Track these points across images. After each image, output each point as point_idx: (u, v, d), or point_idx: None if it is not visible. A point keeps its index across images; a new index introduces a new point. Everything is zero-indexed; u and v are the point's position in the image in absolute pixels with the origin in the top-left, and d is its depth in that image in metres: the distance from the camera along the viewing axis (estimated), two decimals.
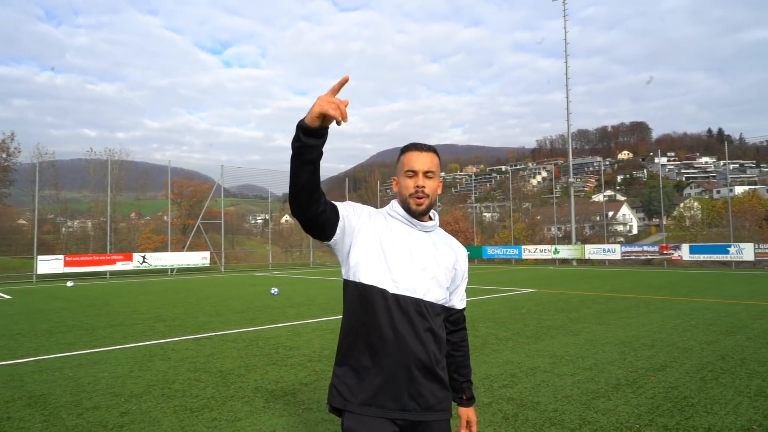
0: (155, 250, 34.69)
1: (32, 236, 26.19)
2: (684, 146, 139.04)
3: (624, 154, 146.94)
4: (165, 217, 44.24)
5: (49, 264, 24.39)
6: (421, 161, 1.80)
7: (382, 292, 1.72)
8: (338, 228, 1.76)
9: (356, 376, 1.72)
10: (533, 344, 6.93)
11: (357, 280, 1.76)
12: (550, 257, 31.15)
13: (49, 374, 5.71)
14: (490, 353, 6.42)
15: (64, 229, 39.81)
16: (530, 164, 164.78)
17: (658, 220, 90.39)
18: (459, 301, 1.96)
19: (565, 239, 39.90)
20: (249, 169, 36.67)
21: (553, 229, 56.25)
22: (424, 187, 1.78)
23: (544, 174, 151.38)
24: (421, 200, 1.78)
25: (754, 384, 4.87)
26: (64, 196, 41.57)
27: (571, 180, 31.78)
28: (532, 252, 32.22)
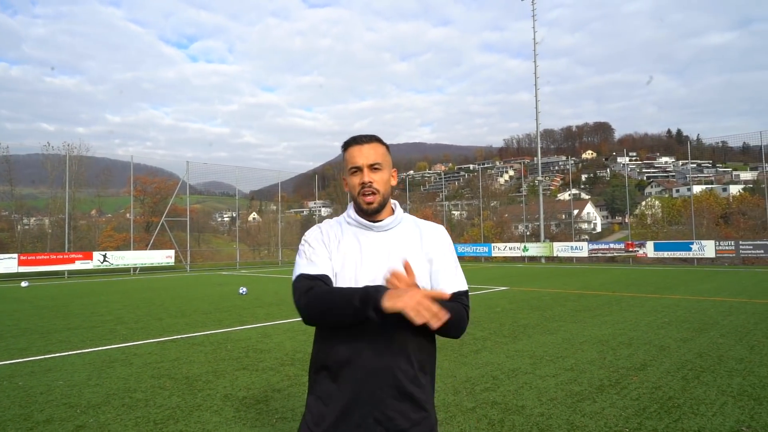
0: (117, 248, 33.52)
1: None
2: (645, 146, 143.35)
3: (588, 154, 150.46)
4: (128, 215, 42.82)
5: (2, 263, 23.20)
6: (363, 155, 1.67)
7: None
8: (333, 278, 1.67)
9: (322, 403, 1.59)
10: (511, 344, 6.81)
11: None
12: (519, 255, 31.45)
13: None
14: (468, 354, 6.25)
15: (19, 227, 38.07)
16: (498, 163, 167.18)
17: (621, 218, 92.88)
18: (447, 285, 1.67)
19: (533, 237, 40.44)
20: (215, 166, 35.78)
21: (521, 227, 57.09)
22: (371, 182, 1.65)
23: (511, 173, 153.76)
24: (371, 197, 1.65)
25: (735, 383, 4.84)
26: (19, 192, 39.79)
27: (539, 179, 32.22)
28: (501, 250, 32.48)
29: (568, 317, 8.98)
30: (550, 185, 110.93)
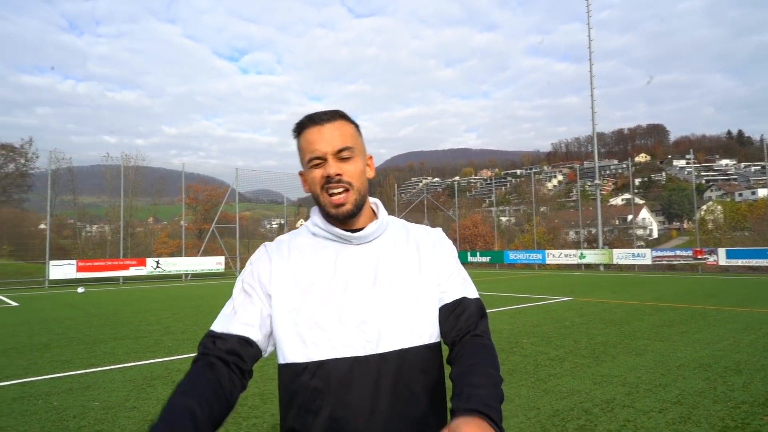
0: (171, 254, 34.19)
1: (50, 241, 25.68)
2: (702, 148, 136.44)
3: (641, 157, 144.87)
4: (181, 222, 44.04)
5: (61, 269, 23.85)
6: (325, 139, 1.19)
7: (308, 368, 1.15)
8: (264, 346, 1.22)
9: None
10: (594, 366, 5.93)
11: (279, 363, 1.21)
12: (575, 262, 29.91)
13: (32, 403, 4.87)
14: (547, 379, 5.44)
15: (83, 234, 39.69)
16: (546, 168, 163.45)
17: (678, 223, 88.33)
18: (455, 289, 1.27)
19: (588, 243, 38.56)
20: (263, 173, 36.10)
21: (572, 233, 54.93)
22: (339, 174, 1.18)
23: (560, 177, 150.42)
24: (342, 195, 1.18)
25: None
26: (82, 201, 41.55)
27: (597, 182, 30.60)
28: (556, 257, 31.01)
29: (652, 334, 7.97)
30: (601, 190, 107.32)
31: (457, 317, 1.23)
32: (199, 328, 9.41)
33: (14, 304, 15.18)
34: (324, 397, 1.12)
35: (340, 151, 1.18)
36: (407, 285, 1.21)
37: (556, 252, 31.41)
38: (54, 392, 5.23)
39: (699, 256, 25.45)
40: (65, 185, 41.72)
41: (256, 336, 1.18)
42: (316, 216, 1.28)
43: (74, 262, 24.62)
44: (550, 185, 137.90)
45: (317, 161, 1.19)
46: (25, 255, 31.19)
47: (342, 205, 1.18)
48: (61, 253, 30.64)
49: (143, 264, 26.25)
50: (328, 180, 1.18)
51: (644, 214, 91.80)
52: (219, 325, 1.20)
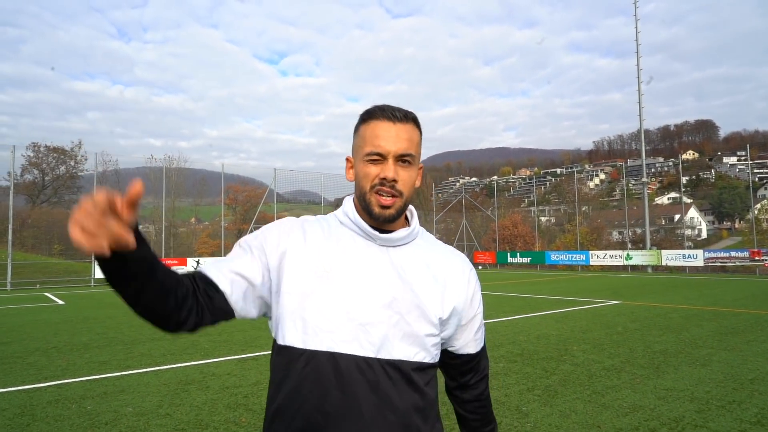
0: (212, 254, 34.80)
1: None
2: (756, 144, 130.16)
3: (689, 154, 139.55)
4: (221, 222, 44.89)
5: None
6: (393, 138, 1.15)
7: (304, 355, 1.10)
8: (234, 301, 1.13)
9: None
10: (656, 378, 5.44)
11: (277, 342, 1.16)
12: (621, 264, 28.78)
13: (66, 407, 4.76)
14: (604, 392, 4.99)
15: None
16: (587, 166, 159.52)
17: (730, 223, 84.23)
18: (472, 343, 1.29)
19: (634, 244, 37.15)
20: (301, 173, 36.27)
21: (615, 233, 53.09)
22: (395, 181, 1.14)
23: (602, 176, 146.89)
24: (390, 201, 1.14)
25: None
26: None
27: (644, 180, 29.34)
28: (600, 258, 29.91)
29: (715, 343, 7.36)
30: (643, 189, 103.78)
31: (471, 370, 1.31)
32: (236, 330, 9.30)
33: (60, 302, 15.57)
34: (314, 388, 1.08)
35: (402, 156, 1.15)
36: (424, 302, 1.15)
37: (600, 253, 30.31)
38: (89, 395, 5.13)
39: (757, 258, 24.03)
40: (112, 186, 42.93)
41: (225, 287, 1.11)
42: (349, 205, 1.23)
43: None
44: (591, 184, 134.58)
45: (377, 157, 1.15)
46: (74, 254, 32.32)
47: (388, 207, 1.14)
48: None
49: (184, 264, 26.70)
50: (382, 182, 1.14)
51: (693, 213, 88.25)
52: (209, 270, 1.14)
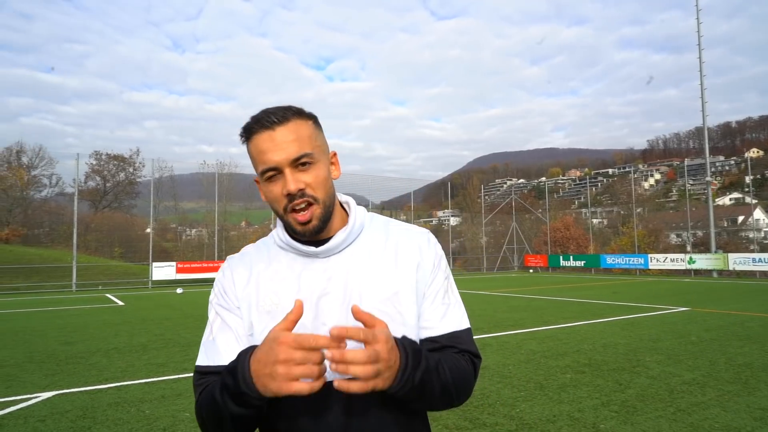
0: None
1: (153, 244, 27.43)
2: None
3: (753, 152, 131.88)
4: (271, 226, 45.73)
5: (162, 270, 25.29)
6: (279, 145, 1.05)
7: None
8: None
9: None
10: (746, 396, 4.93)
11: None
12: (683, 268, 27.28)
13: (125, 410, 4.75)
14: (689, 409, 4.54)
15: (183, 237, 42.39)
16: (641, 166, 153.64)
17: None
18: (437, 322, 1.12)
19: (696, 247, 35.19)
20: (349, 177, 36.29)
21: (679, 235, 50.56)
22: (302, 188, 1.05)
23: (657, 176, 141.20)
24: (307, 214, 1.06)
25: None
26: (182, 206, 44.46)
27: (708, 179, 27.77)
28: (660, 262, 28.48)
29: None
30: (704, 189, 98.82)
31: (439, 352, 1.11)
32: None
33: (120, 303, 16.11)
34: (285, 421, 1.05)
35: (298, 159, 1.04)
36: (379, 303, 1.07)
37: (660, 256, 28.86)
38: (147, 399, 5.12)
39: None
40: (167, 192, 44.79)
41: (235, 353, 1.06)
42: (279, 226, 1.15)
43: (174, 263, 26.02)
44: (646, 185, 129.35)
45: (272, 173, 1.05)
46: (132, 257, 33.68)
47: (307, 222, 1.06)
48: (163, 255, 32.69)
49: None
50: (290, 197, 1.05)
51: (759, 214, 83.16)
52: (204, 358, 1.10)
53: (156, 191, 31.62)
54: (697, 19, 27.42)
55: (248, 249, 1.20)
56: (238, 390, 0.90)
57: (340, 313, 1.06)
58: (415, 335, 1.10)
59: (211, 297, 1.16)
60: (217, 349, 1.09)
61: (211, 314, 1.14)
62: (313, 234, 1.08)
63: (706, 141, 27.51)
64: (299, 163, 1.05)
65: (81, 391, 5.45)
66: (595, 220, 64.27)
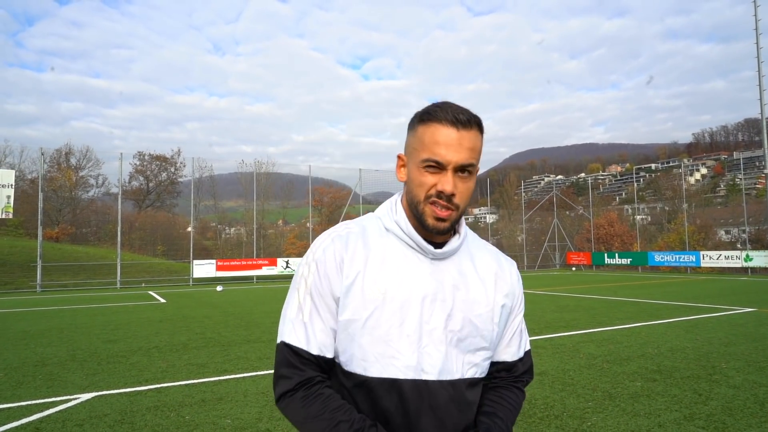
0: (299, 255, 35.53)
1: (193, 242, 27.84)
2: None
3: None
4: (308, 224, 46.16)
5: (203, 268, 25.57)
6: (455, 147, 1.06)
7: (366, 382, 1.10)
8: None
9: None
10: None
11: (341, 366, 1.14)
12: (738, 266, 25.83)
13: (165, 415, 4.52)
14: None
15: (222, 235, 43.08)
16: (686, 160, 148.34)
17: None
18: (515, 349, 1.26)
19: (751, 244, 33.36)
20: (384, 174, 35.87)
21: (728, 231, 48.16)
22: (453, 194, 1.06)
23: (704, 171, 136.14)
24: (446, 213, 1.07)
25: None
26: (222, 205, 45.23)
27: (767, 171, 26.11)
28: (713, 259, 27.04)
29: None
30: (755, 183, 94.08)
31: (510, 372, 1.25)
32: None
33: (162, 300, 16.24)
34: (377, 414, 1.08)
35: (464, 167, 1.07)
36: (475, 317, 1.14)
37: (713, 253, 27.41)
38: (187, 402, 4.88)
39: None
40: (207, 191, 45.58)
41: (330, 352, 1.12)
42: (399, 213, 1.15)
43: (214, 261, 26.28)
44: (692, 179, 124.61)
45: (434, 166, 1.06)
46: (174, 255, 34.36)
47: (443, 220, 1.08)
48: (204, 254, 33.16)
49: (274, 264, 27.32)
50: (439, 195, 1.06)
51: None
52: (294, 337, 1.11)
53: (196, 190, 32.08)
54: (754, 2, 25.87)
55: (352, 229, 1.17)
56: None
57: (441, 319, 1.10)
58: (491, 353, 1.20)
59: (306, 271, 1.14)
60: (309, 338, 1.10)
61: (302, 290, 1.13)
62: (440, 233, 1.10)
63: (765, 130, 25.92)
64: (464, 170, 1.08)
65: (120, 393, 5.27)
66: (638, 217, 62.12)
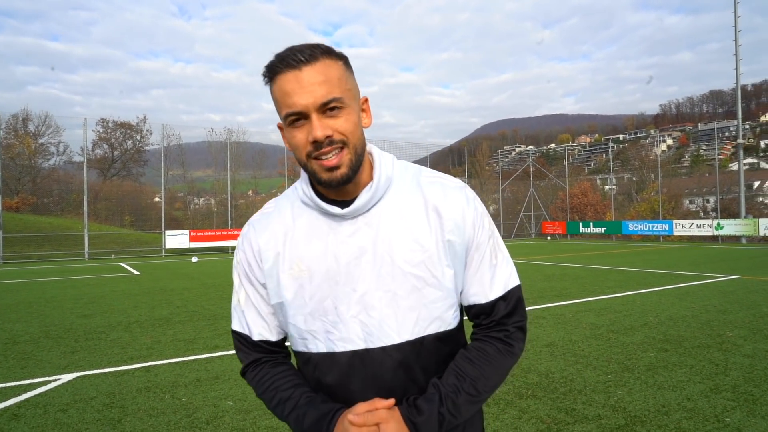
0: None
1: (162, 213, 26.90)
2: None
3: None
4: (278, 194, 45.26)
5: (176, 239, 24.80)
6: (305, 88, 0.96)
7: (304, 358, 1.11)
8: (283, 329, 1.15)
9: None
10: None
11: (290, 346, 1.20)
12: (709, 234, 26.45)
13: (158, 398, 4.14)
14: None
15: (191, 206, 42.01)
16: (653, 131, 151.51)
17: None
18: (487, 287, 1.09)
19: (719, 212, 34.24)
20: None
21: (692, 201, 49.45)
22: (329, 135, 0.97)
23: (670, 142, 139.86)
24: (335, 159, 0.98)
25: None
26: (190, 175, 43.94)
27: (740, 141, 26.61)
28: (685, 227, 27.63)
29: None
30: (718, 154, 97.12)
31: (489, 315, 1.11)
32: None
33: (135, 272, 15.60)
34: (327, 390, 1.07)
35: (326, 104, 0.96)
36: (412, 267, 1.02)
37: (685, 222, 28.00)
38: (180, 383, 4.51)
39: None
40: (175, 160, 44.09)
41: (272, 334, 1.13)
42: (303, 180, 1.09)
43: (187, 232, 25.51)
44: (658, 150, 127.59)
45: (297, 118, 0.97)
46: (143, 225, 33.28)
47: (336, 168, 0.98)
48: (174, 224, 32.23)
49: None
50: (316, 146, 0.97)
51: None
52: (237, 324, 1.15)
53: (165, 159, 30.90)
54: None
55: (269, 207, 1.15)
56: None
57: (370, 279, 1.02)
58: (453, 298, 1.08)
59: (235, 261, 1.15)
60: (248, 325, 1.13)
61: (236, 280, 1.15)
62: (341, 183, 1.00)
63: (739, 101, 26.28)
64: (328, 108, 0.96)
65: (105, 373, 4.85)
66: (606, 187, 63.21)
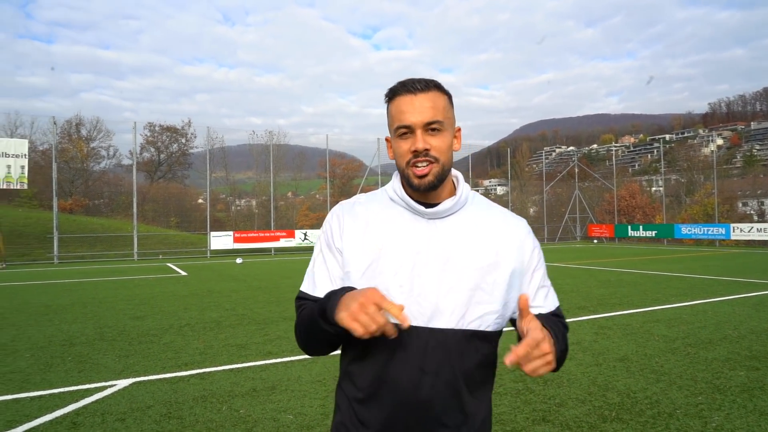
0: (312, 227, 35.10)
1: (207, 214, 27.38)
2: None
3: None
4: (318, 195, 45.70)
5: (220, 240, 25.16)
6: (416, 109, 1.17)
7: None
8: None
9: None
10: None
11: None
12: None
13: (216, 408, 3.99)
14: None
15: (233, 207, 42.75)
16: (701, 131, 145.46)
17: None
18: (541, 303, 1.25)
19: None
20: None
21: (748, 203, 46.99)
22: (428, 149, 1.17)
23: (720, 141, 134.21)
24: (426, 169, 1.17)
25: None
26: (233, 177, 44.76)
27: None
28: (744, 231, 26.18)
29: None
30: None
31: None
32: None
33: (183, 273, 15.81)
34: (373, 356, 1.16)
35: (430, 124, 1.17)
36: (473, 271, 1.17)
37: (744, 226, 26.56)
38: (237, 392, 4.35)
39: None
40: (218, 162, 45.01)
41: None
42: (396, 181, 1.26)
43: (231, 233, 25.85)
44: (707, 150, 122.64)
45: (405, 131, 1.18)
46: (188, 226, 34.01)
47: (425, 176, 1.16)
48: (217, 225, 32.77)
49: (292, 236, 26.87)
50: (415, 154, 1.16)
51: None
52: (306, 286, 1.27)
53: (209, 162, 31.46)
54: None
55: (360, 198, 1.30)
56: (326, 307, 1.09)
57: (433, 271, 1.16)
58: (499, 305, 1.19)
59: (320, 233, 1.30)
60: (315, 283, 1.24)
61: (316, 249, 1.28)
62: (428, 188, 1.18)
63: None
64: (430, 127, 1.17)
65: (160, 379, 4.76)
66: (653, 189, 60.87)
